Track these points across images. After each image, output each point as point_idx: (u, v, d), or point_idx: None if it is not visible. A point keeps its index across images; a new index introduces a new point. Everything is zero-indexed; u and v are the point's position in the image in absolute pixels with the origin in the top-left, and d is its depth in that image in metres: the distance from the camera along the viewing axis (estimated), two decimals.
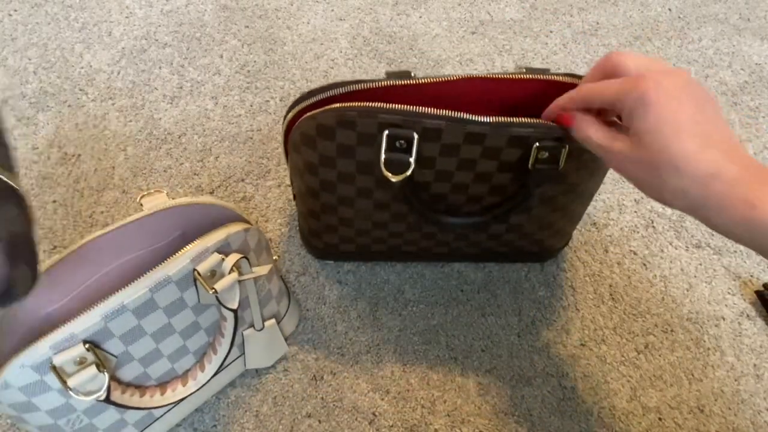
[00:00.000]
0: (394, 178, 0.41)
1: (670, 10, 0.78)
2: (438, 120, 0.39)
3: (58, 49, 0.66)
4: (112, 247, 0.37)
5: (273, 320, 0.46)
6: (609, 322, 0.54)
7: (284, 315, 0.48)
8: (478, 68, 0.69)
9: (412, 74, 0.42)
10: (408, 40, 0.71)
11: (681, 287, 0.56)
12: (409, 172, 0.41)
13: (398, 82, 0.41)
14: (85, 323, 0.34)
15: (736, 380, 0.51)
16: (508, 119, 0.39)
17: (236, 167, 0.59)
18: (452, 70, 0.69)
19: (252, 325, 0.45)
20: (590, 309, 0.54)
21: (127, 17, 0.69)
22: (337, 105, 0.39)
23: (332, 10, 0.73)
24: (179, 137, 0.61)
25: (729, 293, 0.56)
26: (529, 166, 0.42)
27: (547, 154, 0.41)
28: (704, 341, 0.53)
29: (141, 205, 0.38)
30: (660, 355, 0.52)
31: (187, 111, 0.63)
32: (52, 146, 0.59)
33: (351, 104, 0.39)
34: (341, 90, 0.41)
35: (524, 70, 0.43)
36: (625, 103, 0.33)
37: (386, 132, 0.39)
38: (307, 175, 0.45)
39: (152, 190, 0.39)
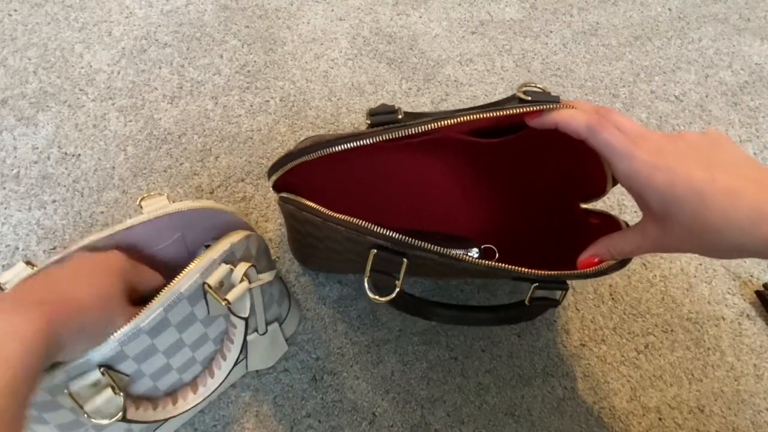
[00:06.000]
0: (378, 299, 0.38)
1: (670, 10, 0.78)
2: (432, 255, 0.36)
3: (58, 49, 0.66)
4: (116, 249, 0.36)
5: (275, 323, 0.46)
6: (609, 322, 0.54)
7: (285, 317, 0.48)
8: (478, 68, 0.69)
9: (400, 116, 0.37)
10: (408, 40, 0.71)
11: (681, 287, 0.56)
12: (393, 295, 0.37)
13: (382, 137, 0.35)
14: (102, 350, 0.33)
15: (736, 380, 0.51)
16: (509, 267, 0.36)
17: (236, 167, 0.59)
18: (452, 70, 0.69)
19: (256, 330, 0.44)
20: (590, 309, 0.54)
21: (127, 17, 0.69)
22: (323, 210, 0.37)
23: (332, 10, 0.73)
24: (179, 137, 0.61)
25: (729, 293, 0.56)
26: (526, 301, 0.40)
27: (545, 292, 0.39)
28: (704, 341, 0.53)
29: (141, 207, 0.37)
30: (660, 355, 0.52)
31: (187, 111, 0.63)
32: (52, 146, 0.59)
33: (338, 216, 0.36)
34: (325, 151, 0.37)
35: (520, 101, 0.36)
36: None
37: (373, 251, 0.37)
38: (294, 228, 0.44)
39: (153, 193, 0.38)
